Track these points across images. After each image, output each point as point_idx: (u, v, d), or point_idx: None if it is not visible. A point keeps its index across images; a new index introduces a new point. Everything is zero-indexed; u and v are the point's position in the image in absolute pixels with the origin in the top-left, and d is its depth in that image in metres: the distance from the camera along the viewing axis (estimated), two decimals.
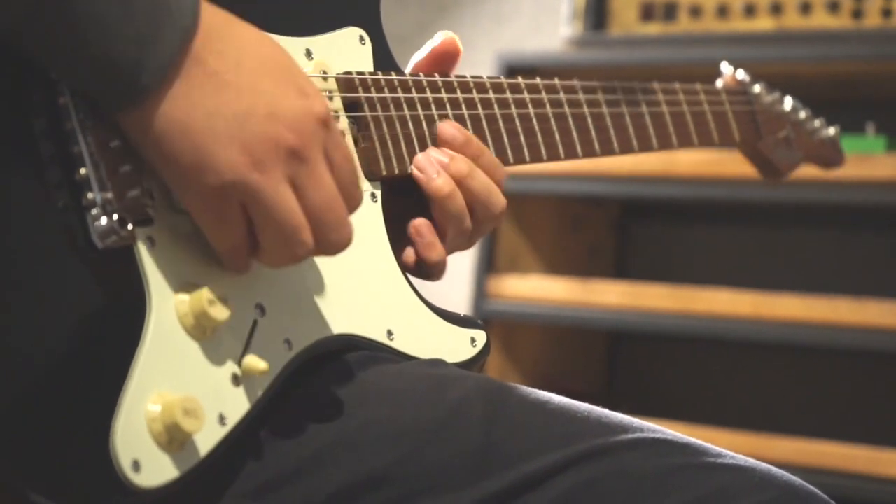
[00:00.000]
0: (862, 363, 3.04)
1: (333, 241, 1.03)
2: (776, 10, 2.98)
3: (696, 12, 3.06)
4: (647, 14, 3.12)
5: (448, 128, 1.24)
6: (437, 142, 1.23)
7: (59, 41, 0.94)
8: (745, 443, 2.77)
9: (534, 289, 3.12)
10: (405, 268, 1.22)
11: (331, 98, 1.17)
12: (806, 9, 2.95)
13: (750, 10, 3.01)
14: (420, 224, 1.21)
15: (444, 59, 1.32)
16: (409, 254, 1.22)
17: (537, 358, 3.29)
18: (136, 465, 0.94)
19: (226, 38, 0.99)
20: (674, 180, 2.98)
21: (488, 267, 3.15)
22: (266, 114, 0.99)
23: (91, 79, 0.96)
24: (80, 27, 0.93)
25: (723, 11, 3.03)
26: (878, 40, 2.86)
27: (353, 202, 1.05)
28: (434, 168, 1.21)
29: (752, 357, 3.21)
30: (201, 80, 0.97)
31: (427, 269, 1.22)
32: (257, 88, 0.99)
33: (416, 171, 1.21)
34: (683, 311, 2.94)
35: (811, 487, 1.11)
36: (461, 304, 3.24)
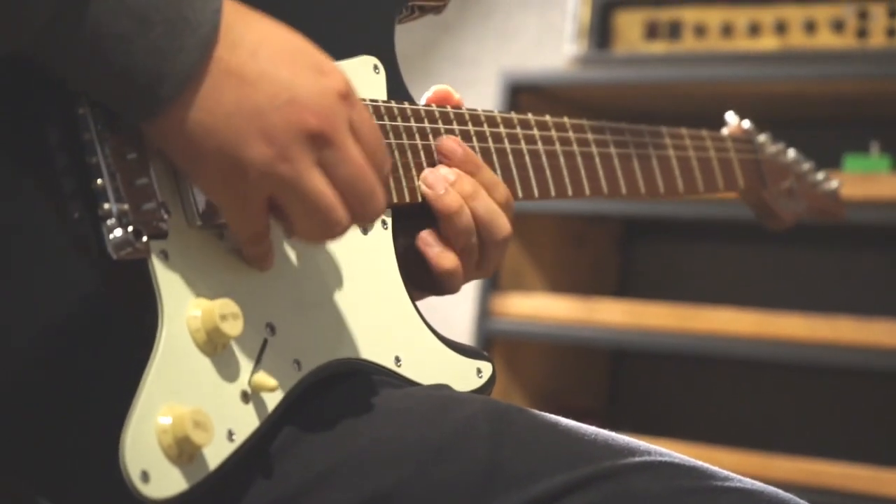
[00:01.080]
0: (864, 382, 3.04)
1: (368, 211, 1.03)
2: (781, 29, 2.98)
3: (700, 31, 3.07)
4: (651, 33, 3.12)
5: (448, 142, 1.24)
6: (437, 154, 1.24)
7: (77, 56, 0.94)
8: (746, 462, 2.77)
9: (537, 307, 3.12)
10: (420, 286, 1.22)
11: None
12: (810, 28, 2.95)
13: (754, 30, 3.01)
14: (426, 234, 1.22)
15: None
16: (421, 271, 1.22)
17: (540, 375, 3.29)
18: (146, 476, 0.95)
19: (238, 30, 0.99)
20: (677, 199, 2.98)
21: (492, 285, 3.15)
22: (286, 101, 0.98)
23: (111, 92, 0.96)
24: (97, 42, 0.93)
25: (727, 30, 3.04)
26: (883, 59, 2.86)
27: (383, 169, 1.05)
28: (442, 185, 1.22)
29: (754, 376, 3.21)
30: (218, 78, 0.97)
31: (442, 280, 1.23)
32: (274, 76, 0.99)
33: (424, 188, 1.22)
34: (686, 329, 2.94)
35: None
36: (465, 322, 3.24)
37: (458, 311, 3.28)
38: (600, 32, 3.16)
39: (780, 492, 1.12)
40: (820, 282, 3.14)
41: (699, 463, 1.12)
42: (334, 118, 1.00)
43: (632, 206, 3.07)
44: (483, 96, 3.35)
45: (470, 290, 3.20)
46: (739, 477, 1.12)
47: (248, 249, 1.05)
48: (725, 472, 1.12)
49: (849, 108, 3.04)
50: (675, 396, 3.33)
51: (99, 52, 0.94)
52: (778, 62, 2.97)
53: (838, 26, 2.93)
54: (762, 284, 3.22)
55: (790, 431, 3.13)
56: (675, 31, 3.10)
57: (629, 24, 3.15)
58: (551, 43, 3.56)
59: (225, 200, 1.01)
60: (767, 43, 3.00)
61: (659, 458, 1.10)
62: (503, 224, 1.24)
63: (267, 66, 0.99)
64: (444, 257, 1.22)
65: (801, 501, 1.11)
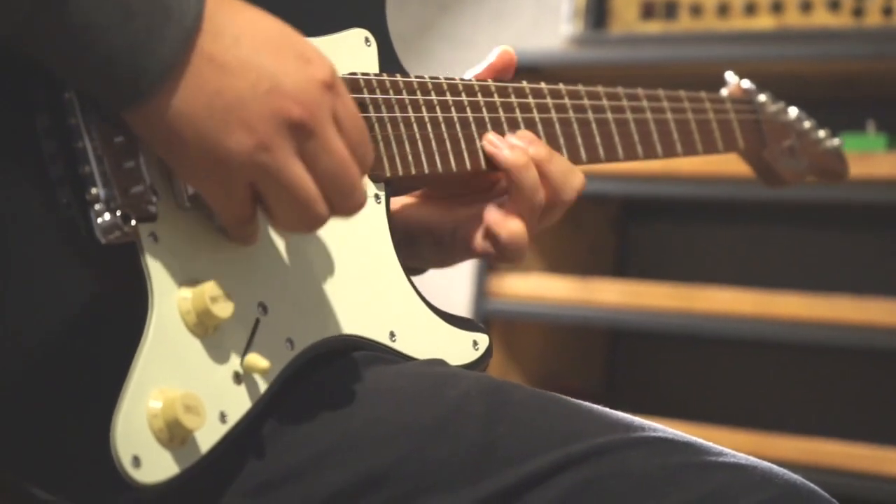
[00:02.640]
0: (863, 361, 3.04)
1: (349, 205, 1.03)
2: (777, 8, 2.98)
3: (696, 11, 3.06)
4: (647, 12, 3.12)
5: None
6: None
7: (58, 46, 0.93)
8: (746, 441, 2.77)
9: (534, 288, 3.12)
10: (486, 256, 1.27)
11: None
12: (807, 7, 2.95)
13: (750, 9, 3.01)
14: (486, 205, 1.27)
15: (501, 74, 1.36)
16: (486, 238, 1.26)
17: (538, 356, 3.29)
18: (137, 461, 0.94)
19: (221, 18, 0.98)
20: (674, 179, 2.98)
21: (489, 265, 3.15)
22: (268, 89, 0.97)
23: (93, 81, 0.95)
24: (78, 32, 0.93)
25: (723, 10, 3.03)
26: (879, 38, 2.86)
27: (365, 162, 1.04)
28: (505, 143, 1.26)
29: (753, 355, 3.21)
30: (200, 67, 0.96)
31: (507, 247, 1.26)
32: (257, 64, 0.98)
33: (488, 146, 1.25)
34: (684, 309, 2.94)
35: (813, 486, 1.11)
36: (462, 302, 3.24)
37: (455, 291, 3.27)
38: (596, 12, 3.16)
39: (774, 466, 1.12)
40: (818, 261, 3.14)
41: (693, 438, 1.12)
42: (317, 108, 1.00)
43: (630, 185, 3.07)
44: None
45: (467, 271, 3.20)
46: (733, 452, 1.12)
47: (234, 233, 1.04)
48: (719, 448, 1.12)
49: (845, 88, 3.04)
50: (673, 377, 3.33)
51: (81, 42, 0.93)
52: (774, 41, 2.96)
53: (835, 5, 2.92)
54: (760, 264, 3.22)
55: (790, 411, 3.13)
56: (671, 10, 3.10)
57: (625, 4, 3.15)
58: (548, 23, 3.55)
59: (207, 188, 1.00)
60: (764, 22, 3.00)
61: (653, 434, 1.10)
62: (575, 182, 1.29)
63: (249, 55, 0.98)
64: (504, 223, 1.25)
65: (794, 475, 1.11)
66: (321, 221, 1.02)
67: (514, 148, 1.26)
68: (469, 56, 3.62)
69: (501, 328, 3.18)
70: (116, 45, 0.93)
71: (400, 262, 1.19)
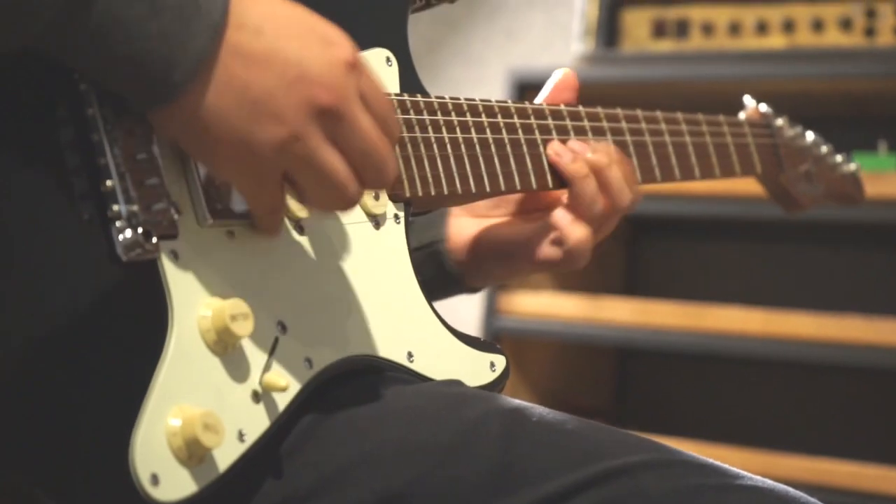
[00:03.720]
0: (872, 381, 3.04)
1: (382, 179, 1.05)
2: (788, 27, 2.98)
3: (708, 29, 3.06)
4: (659, 31, 3.12)
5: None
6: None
7: (88, 44, 0.93)
8: (754, 460, 2.77)
9: (544, 305, 3.12)
10: (549, 264, 1.34)
11: None
12: (818, 26, 2.95)
13: (762, 28, 3.01)
14: (554, 211, 1.33)
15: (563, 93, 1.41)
16: (553, 244, 1.33)
17: (547, 374, 3.29)
18: (155, 479, 0.94)
19: (243, 8, 0.98)
20: (684, 197, 2.98)
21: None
22: (294, 78, 0.98)
23: (122, 80, 0.96)
24: (108, 29, 0.93)
25: (735, 29, 3.03)
26: (891, 58, 2.86)
27: (393, 135, 1.05)
28: (569, 153, 1.32)
29: (761, 374, 3.20)
30: (227, 60, 0.97)
31: (573, 250, 1.32)
32: (281, 53, 0.98)
33: (553, 156, 1.31)
34: (693, 328, 2.94)
35: None
36: (472, 320, 3.24)
37: (465, 308, 3.27)
38: (608, 30, 3.16)
39: (791, 490, 1.12)
40: (828, 281, 3.14)
41: (710, 461, 1.12)
42: (344, 90, 1.00)
43: (639, 204, 3.06)
44: (490, 94, 3.34)
45: None
46: (750, 475, 1.12)
47: (263, 222, 1.05)
48: (736, 470, 1.12)
49: (856, 107, 3.03)
50: (682, 395, 3.33)
51: (110, 39, 0.93)
52: (785, 61, 2.96)
53: (846, 25, 2.92)
54: (770, 283, 3.22)
55: (798, 430, 3.12)
56: (682, 29, 3.10)
57: (637, 23, 3.15)
58: (559, 41, 3.55)
59: (240, 180, 1.01)
60: (775, 41, 3.00)
61: (669, 456, 1.10)
62: (628, 191, 1.36)
63: (273, 44, 0.98)
64: (574, 227, 1.32)
65: (812, 499, 1.11)
66: (354, 201, 1.04)
67: (576, 159, 1.32)
68: (480, 74, 3.62)
69: (511, 345, 3.18)
70: (146, 40, 0.94)
71: (419, 281, 1.20)
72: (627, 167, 1.37)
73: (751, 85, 2.98)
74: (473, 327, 3.21)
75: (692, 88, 3.06)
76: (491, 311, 3.15)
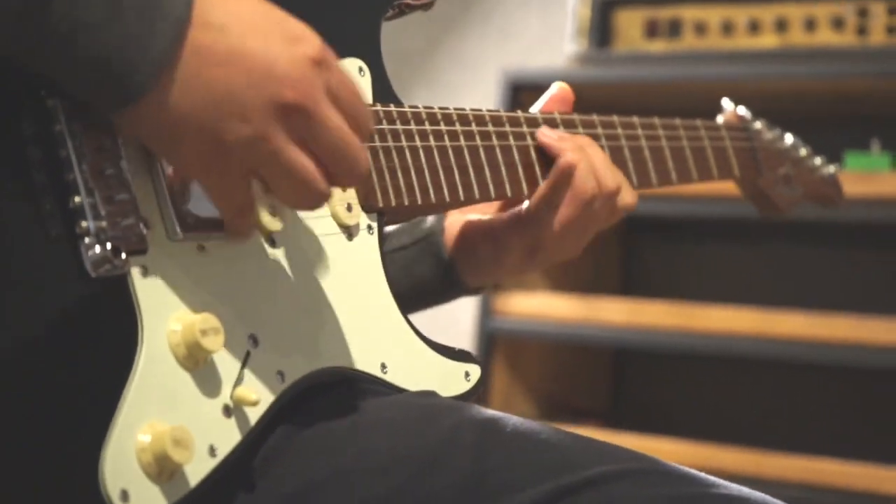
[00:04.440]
0: (864, 381, 3.04)
1: (353, 175, 1.04)
2: (781, 27, 2.98)
3: (700, 29, 3.06)
4: (651, 31, 3.12)
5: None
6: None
7: (49, 47, 0.93)
8: (747, 460, 2.76)
9: (539, 306, 3.12)
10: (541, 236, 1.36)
11: None
12: (810, 26, 2.95)
13: (754, 27, 3.01)
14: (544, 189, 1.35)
15: (557, 106, 1.44)
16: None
17: (542, 374, 3.29)
18: (125, 496, 0.94)
19: (206, 7, 0.97)
20: (678, 198, 2.97)
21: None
22: (260, 76, 0.97)
23: (85, 82, 0.95)
24: (69, 31, 0.92)
25: (727, 28, 3.03)
26: (883, 57, 2.85)
27: (364, 130, 1.04)
28: (556, 133, 1.35)
29: (754, 374, 3.20)
30: (191, 60, 0.96)
31: (564, 237, 1.37)
32: (246, 51, 0.97)
33: (543, 139, 1.34)
34: (687, 328, 2.94)
35: None
36: (467, 321, 3.24)
37: (460, 309, 3.27)
38: (600, 31, 3.16)
39: (769, 497, 1.11)
40: (820, 280, 3.14)
41: (686, 469, 1.11)
42: (310, 88, 0.99)
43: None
44: (484, 95, 3.35)
45: None
46: (726, 483, 1.11)
47: (233, 223, 1.04)
48: (712, 479, 1.11)
49: (849, 106, 3.03)
50: (676, 395, 3.32)
51: (71, 41, 0.92)
52: (778, 60, 2.96)
53: (838, 24, 2.92)
54: (763, 283, 3.21)
55: (790, 429, 3.12)
56: (675, 29, 3.09)
57: (629, 23, 3.15)
58: (552, 42, 3.55)
59: (206, 179, 1.01)
60: (767, 41, 3.00)
61: (645, 466, 1.10)
62: (612, 177, 1.36)
63: (238, 42, 0.97)
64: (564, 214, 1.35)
65: None
66: (323, 198, 1.02)
67: (564, 138, 1.34)
68: (474, 75, 3.62)
69: (506, 346, 3.18)
70: (108, 42, 0.93)
71: (393, 292, 1.19)
72: (607, 158, 1.39)
73: (743, 85, 2.98)
74: (468, 328, 3.21)
75: (685, 88, 3.06)
76: (486, 312, 3.15)
